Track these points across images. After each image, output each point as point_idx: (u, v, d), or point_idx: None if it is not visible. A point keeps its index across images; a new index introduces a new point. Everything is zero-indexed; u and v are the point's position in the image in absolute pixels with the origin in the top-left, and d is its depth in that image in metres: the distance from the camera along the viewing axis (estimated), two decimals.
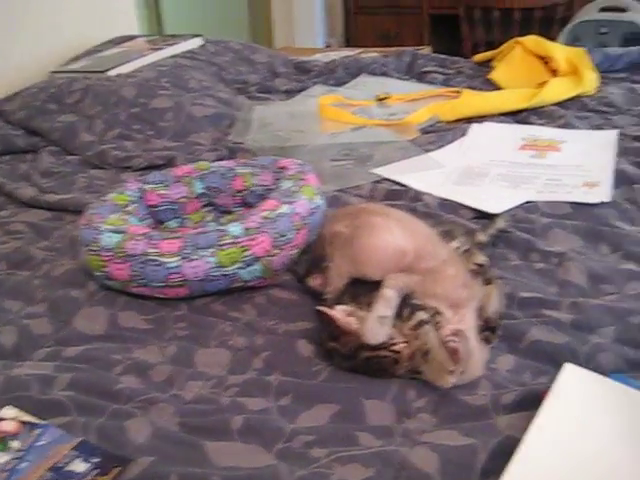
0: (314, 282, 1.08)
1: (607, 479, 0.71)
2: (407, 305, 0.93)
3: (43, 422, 0.84)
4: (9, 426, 0.83)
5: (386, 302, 0.92)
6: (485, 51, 2.38)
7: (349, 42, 4.23)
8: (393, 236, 1.04)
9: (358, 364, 0.91)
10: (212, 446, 0.81)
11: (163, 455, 0.80)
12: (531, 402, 0.82)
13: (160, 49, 2.26)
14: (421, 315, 0.92)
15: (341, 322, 0.92)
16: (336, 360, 0.94)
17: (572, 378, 0.82)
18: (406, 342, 0.90)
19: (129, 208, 1.24)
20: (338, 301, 0.98)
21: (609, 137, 1.62)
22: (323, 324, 0.96)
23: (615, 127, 1.69)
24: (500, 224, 1.23)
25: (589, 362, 0.91)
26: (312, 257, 1.10)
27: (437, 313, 0.93)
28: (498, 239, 1.22)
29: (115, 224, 1.13)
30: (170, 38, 2.44)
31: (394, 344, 0.90)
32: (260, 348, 0.99)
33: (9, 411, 0.86)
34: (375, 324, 0.90)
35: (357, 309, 0.94)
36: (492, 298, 1.00)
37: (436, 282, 0.96)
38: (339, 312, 0.93)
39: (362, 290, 0.98)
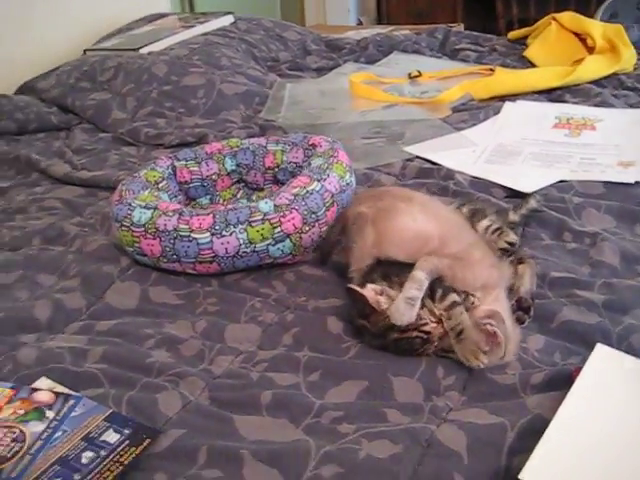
0: (338, 257, 1.08)
1: (637, 460, 0.70)
2: (440, 286, 0.93)
3: (76, 393, 0.85)
4: (44, 396, 0.84)
5: (416, 284, 0.91)
6: (519, 29, 2.34)
7: (381, 20, 4.18)
8: (415, 221, 1.03)
9: (388, 343, 0.91)
10: (241, 420, 0.82)
11: (193, 428, 0.81)
12: (561, 382, 0.82)
13: (192, 27, 2.27)
14: (454, 297, 0.91)
15: (372, 301, 0.92)
16: (366, 338, 0.94)
17: (604, 359, 0.81)
18: (437, 322, 0.90)
19: (161, 185, 1.25)
20: (369, 279, 0.97)
21: None
22: (354, 302, 0.96)
23: None
24: (532, 204, 1.22)
25: (621, 343, 0.90)
26: (334, 237, 1.10)
27: (469, 295, 0.92)
28: (530, 219, 1.21)
29: (146, 200, 1.14)
30: (201, 16, 2.43)
31: (424, 324, 0.89)
32: (290, 324, 1.00)
33: (44, 382, 0.88)
34: (403, 305, 0.90)
35: (388, 288, 0.94)
36: (525, 278, 1.00)
37: (465, 267, 0.95)
38: (369, 291, 0.93)
39: (394, 269, 0.97)
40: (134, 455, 0.76)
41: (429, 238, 0.99)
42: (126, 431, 0.79)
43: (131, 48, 2.09)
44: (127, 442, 0.77)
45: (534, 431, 0.74)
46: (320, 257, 1.13)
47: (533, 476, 0.67)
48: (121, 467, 0.74)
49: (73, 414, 0.81)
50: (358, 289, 0.93)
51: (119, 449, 0.76)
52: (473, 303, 0.91)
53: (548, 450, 0.70)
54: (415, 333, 0.89)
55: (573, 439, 0.72)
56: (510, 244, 1.04)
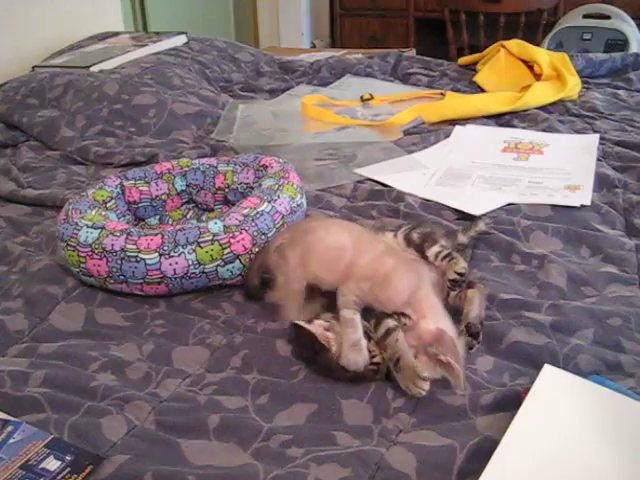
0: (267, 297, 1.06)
1: None
2: (371, 316, 0.93)
3: (16, 419, 0.82)
4: None
5: (350, 326, 0.91)
6: (470, 55, 2.38)
7: (335, 44, 4.22)
8: (329, 233, 1.03)
9: (339, 377, 0.90)
10: (188, 445, 0.81)
11: (138, 453, 0.79)
12: (510, 403, 0.82)
13: (144, 46, 2.25)
14: (387, 323, 0.91)
15: (320, 338, 0.91)
16: (314, 368, 0.93)
17: (551, 379, 0.82)
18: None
19: (109, 204, 1.23)
20: (312, 312, 0.97)
21: (591, 141, 1.63)
22: (298, 338, 0.94)
23: (597, 132, 1.71)
24: (481, 226, 1.23)
25: (568, 364, 0.92)
26: (256, 279, 1.09)
27: (401, 316, 0.92)
28: (479, 241, 1.22)
29: (94, 220, 1.11)
30: (154, 35, 2.42)
31: (373, 356, 0.89)
32: (238, 347, 0.98)
33: None
34: (351, 354, 0.89)
35: (335, 321, 0.93)
36: (474, 303, 0.99)
37: (385, 285, 0.94)
38: (317, 327, 0.92)
39: (334, 299, 0.97)
40: None
41: (344, 247, 0.99)
42: (67, 458, 0.76)
43: (82, 66, 2.06)
44: (68, 469, 0.75)
45: (483, 452, 0.74)
46: (248, 297, 1.10)
47: None
48: None
49: (11, 441, 0.78)
50: (306, 326, 0.92)
51: (59, 477, 0.74)
52: (405, 324, 0.91)
53: (497, 471, 0.70)
54: (366, 368, 0.89)
55: (522, 460, 0.72)
56: (459, 274, 1.03)
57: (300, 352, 0.95)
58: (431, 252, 1.06)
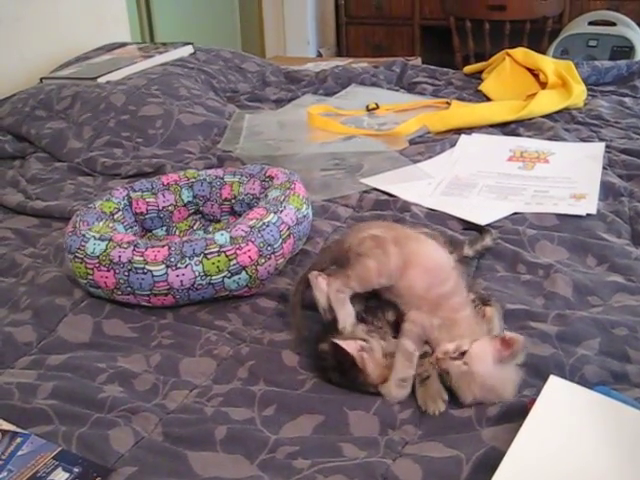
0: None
1: None
2: None
3: (24, 431, 0.83)
4: None
5: (407, 359, 0.90)
6: (477, 62, 2.39)
7: (341, 52, 4.24)
8: (437, 251, 1.01)
9: (360, 390, 0.91)
10: (195, 456, 0.81)
11: (145, 465, 0.79)
12: (516, 414, 0.82)
13: (151, 57, 2.26)
14: (426, 347, 0.92)
15: (357, 360, 0.90)
16: (336, 380, 0.92)
17: (557, 390, 0.82)
18: None
19: (116, 216, 1.24)
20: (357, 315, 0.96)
21: (596, 149, 1.63)
22: (333, 355, 0.92)
23: (602, 140, 1.71)
24: (487, 242, 1.22)
25: (574, 374, 0.91)
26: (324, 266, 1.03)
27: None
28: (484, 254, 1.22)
29: (101, 232, 1.12)
30: (161, 46, 2.44)
31: None
32: (245, 358, 0.99)
33: None
34: (398, 389, 0.89)
35: (372, 339, 0.92)
36: (494, 321, 0.98)
37: (451, 329, 0.92)
38: (354, 347, 0.90)
39: (380, 306, 0.97)
40: None
41: (449, 277, 0.97)
42: (76, 470, 0.77)
43: (89, 77, 2.07)
44: None
45: (489, 464, 0.74)
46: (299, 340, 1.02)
47: None
48: None
49: (20, 453, 0.79)
50: (343, 345, 0.89)
51: None
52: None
53: None
54: None
55: (528, 471, 0.72)
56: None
57: (332, 368, 0.93)
58: None
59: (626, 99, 2.00)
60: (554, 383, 0.83)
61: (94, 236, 1.10)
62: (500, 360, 0.86)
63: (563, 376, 0.88)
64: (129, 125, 1.82)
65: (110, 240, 1.09)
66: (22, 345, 1.03)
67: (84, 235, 1.11)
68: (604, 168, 1.54)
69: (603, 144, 1.66)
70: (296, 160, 1.67)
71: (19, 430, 0.83)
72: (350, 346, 0.90)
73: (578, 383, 0.86)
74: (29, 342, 1.04)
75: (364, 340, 0.92)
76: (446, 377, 0.88)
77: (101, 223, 1.17)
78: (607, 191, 1.43)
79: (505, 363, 0.85)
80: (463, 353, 0.87)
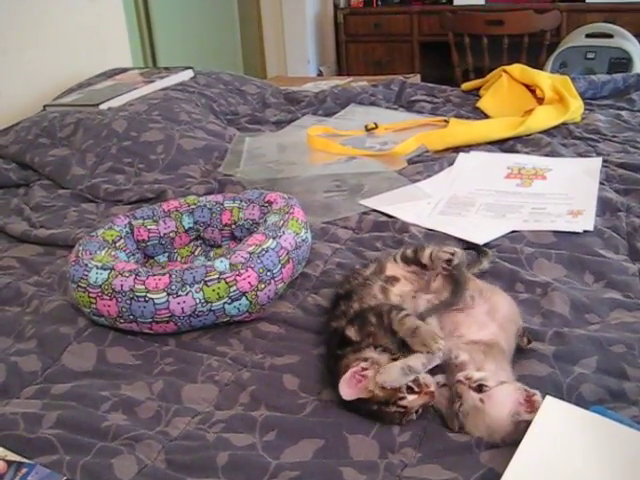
0: None
1: None
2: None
3: (29, 461, 0.84)
4: None
5: (427, 359, 0.90)
6: (476, 77, 2.41)
7: (341, 70, 4.27)
8: (512, 304, 1.07)
9: (364, 412, 0.91)
10: None
11: None
12: None
13: (152, 81, 2.29)
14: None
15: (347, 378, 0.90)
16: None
17: (553, 411, 0.83)
18: (417, 393, 0.89)
19: (118, 243, 1.26)
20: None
21: (594, 164, 1.64)
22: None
23: (600, 154, 1.72)
24: (485, 265, 1.23)
25: (572, 393, 0.92)
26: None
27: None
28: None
29: (103, 261, 1.14)
30: (162, 70, 2.47)
31: (402, 398, 0.88)
32: (246, 383, 1.00)
33: None
34: (397, 370, 0.88)
35: (373, 355, 0.92)
36: None
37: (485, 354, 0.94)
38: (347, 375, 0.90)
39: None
40: None
41: (518, 327, 1.01)
42: None
43: (91, 104, 2.10)
44: None
45: None
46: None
47: None
48: None
49: None
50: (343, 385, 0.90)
51: None
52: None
53: None
54: (394, 408, 0.89)
55: None
56: (450, 253, 1.09)
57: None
58: (425, 256, 1.09)
59: (623, 112, 2.02)
60: (550, 404, 0.84)
61: (96, 265, 1.12)
62: (517, 413, 0.84)
63: (560, 395, 0.89)
64: (131, 151, 1.84)
65: (112, 269, 1.10)
66: (27, 374, 1.05)
67: (87, 265, 1.12)
68: (601, 183, 1.55)
69: (600, 159, 1.67)
70: (297, 182, 1.69)
71: (24, 460, 0.84)
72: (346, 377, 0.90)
73: (575, 402, 0.87)
74: (34, 371, 1.06)
75: (365, 359, 0.92)
76: (457, 400, 0.87)
77: (103, 252, 1.19)
78: (604, 206, 1.44)
79: (520, 419, 0.83)
80: (482, 387, 0.87)
